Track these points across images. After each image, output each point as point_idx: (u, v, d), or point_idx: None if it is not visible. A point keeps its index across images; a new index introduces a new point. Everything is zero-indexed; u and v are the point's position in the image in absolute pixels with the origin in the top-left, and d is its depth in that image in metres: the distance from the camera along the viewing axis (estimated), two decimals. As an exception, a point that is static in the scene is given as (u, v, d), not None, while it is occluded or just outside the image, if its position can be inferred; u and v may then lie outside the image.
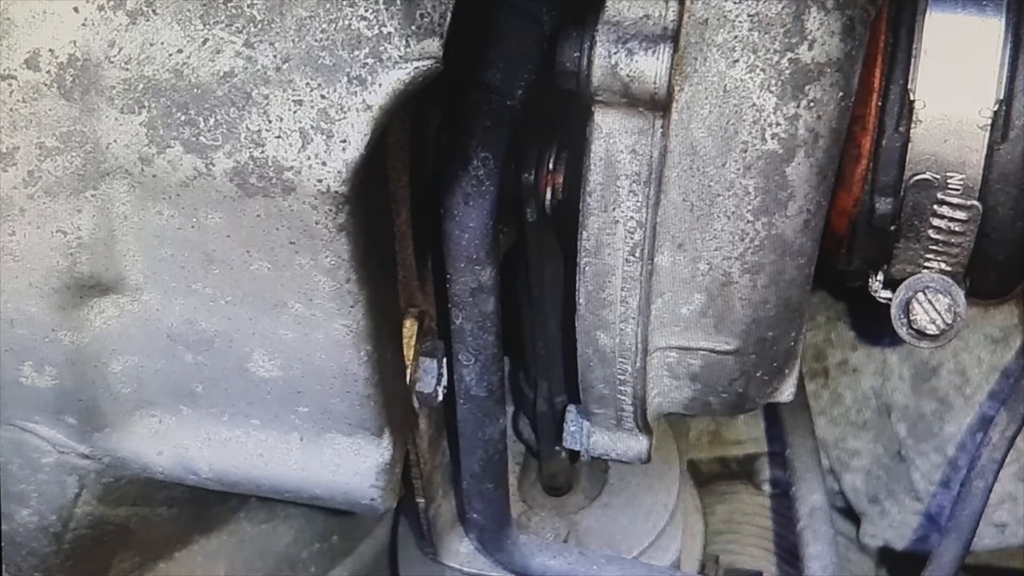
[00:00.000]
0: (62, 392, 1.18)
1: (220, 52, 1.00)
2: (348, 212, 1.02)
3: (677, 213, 1.12)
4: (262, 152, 1.00)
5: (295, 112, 0.99)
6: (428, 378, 1.29)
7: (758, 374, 1.23)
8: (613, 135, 1.11)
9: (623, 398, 1.27)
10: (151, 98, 1.01)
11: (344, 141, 0.99)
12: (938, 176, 1.16)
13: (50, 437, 1.24)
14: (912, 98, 1.15)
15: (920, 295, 1.21)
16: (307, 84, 0.99)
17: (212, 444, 1.24)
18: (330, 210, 1.01)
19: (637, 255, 1.15)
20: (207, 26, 1.00)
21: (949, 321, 1.21)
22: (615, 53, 1.07)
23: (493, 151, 1.15)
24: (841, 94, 1.07)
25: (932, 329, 1.21)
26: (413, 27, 1.00)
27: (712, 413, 1.32)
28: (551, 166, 1.23)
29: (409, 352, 1.26)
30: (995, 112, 1.14)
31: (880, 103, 1.16)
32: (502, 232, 1.22)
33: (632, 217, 1.14)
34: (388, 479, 1.26)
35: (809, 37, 1.05)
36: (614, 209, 1.13)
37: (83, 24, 1.01)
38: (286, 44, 1.00)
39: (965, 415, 1.68)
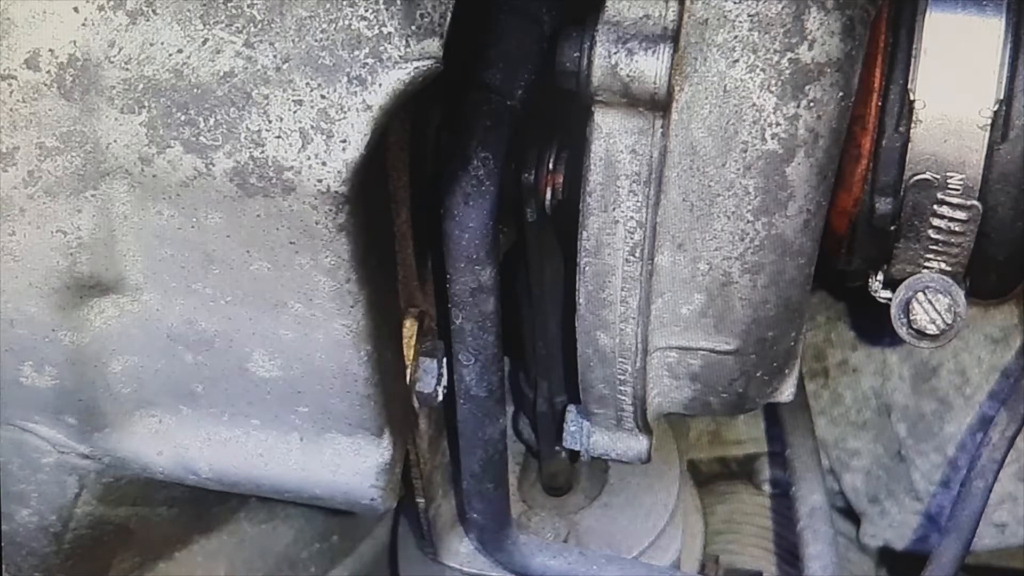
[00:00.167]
0: (62, 392, 1.18)
1: (220, 52, 1.00)
2: (348, 212, 1.02)
3: (677, 213, 1.12)
4: (262, 152, 1.00)
5: (295, 112, 0.99)
6: (428, 378, 1.29)
7: (758, 374, 1.23)
8: (613, 135, 1.11)
9: (623, 398, 1.27)
10: (151, 98, 1.01)
11: (344, 141, 0.99)
12: (938, 176, 1.16)
13: (50, 437, 1.24)
14: (912, 98, 1.15)
15: (920, 295, 1.21)
16: (307, 84, 0.99)
17: (212, 444, 1.24)
18: (330, 210, 1.01)
19: (637, 255, 1.15)
20: (207, 26, 1.00)
21: (949, 321, 1.21)
22: (615, 53, 1.07)
23: (493, 151, 1.15)
24: (841, 94, 1.07)
25: (932, 329, 1.21)
26: (413, 27, 1.00)
27: (712, 413, 1.32)
28: (551, 166, 1.23)
29: (409, 352, 1.26)
30: (995, 112, 1.14)
31: (880, 103, 1.16)
32: (502, 232, 1.22)
33: (632, 217, 1.14)
34: (388, 479, 1.26)
35: (809, 37, 1.05)
36: (614, 209, 1.13)
37: (83, 24, 1.01)
38: (286, 44, 1.00)
39: (965, 415, 1.68)
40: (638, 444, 1.35)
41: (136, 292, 1.11)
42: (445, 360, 1.30)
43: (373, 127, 0.99)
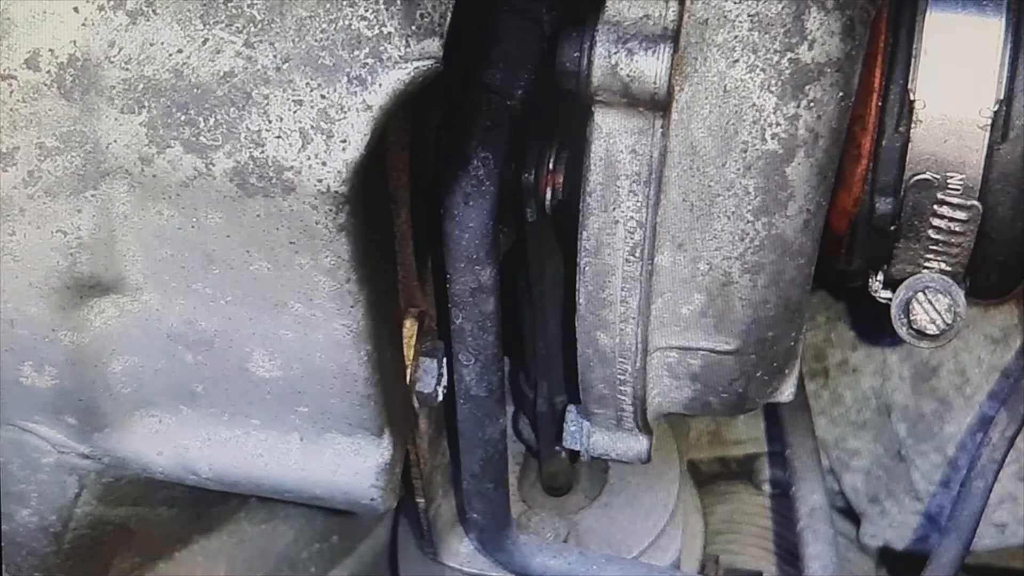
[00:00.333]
0: (62, 392, 1.18)
1: (220, 52, 1.00)
2: (348, 212, 1.02)
3: (677, 213, 1.12)
4: (262, 152, 1.00)
5: (295, 112, 0.99)
6: (428, 378, 1.29)
7: (758, 374, 1.23)
8: (613, 135, 1.11)
9: (623, 398, 1.27)
10: (151, 98, 1.01)
11: (344, 141, 0.99)
12: (938, 176, 1.16)
13: (50, 437, 1.24)
14: (912, 98, 1.15)
15: (920, 295, 1.21)
16: (307, 84, 0.99)
17: (212, 444, 1.24)
18: (330, 210, 1.01)
19: (637, 255, 1.15)
20: (207, 26, 1.00)
21: (949, 321, 1.21)
22: (615, 53, 1.07)
23: (493, 151, 1.15)
24: (841, 94, 1.07)
25: (932, 329, 1.21)
26: (413, 27, 1.00)
27: (712, 413, 1.32)
28: (551, 166, 1.23)
29: (409, 352, 1.26)
30: (995, 112, 1.14)
31: (880, 103, 1.16)
32: (502, 232, 1.22)
33: (632, 217, 1.14)
34: (388, 479, 1.26)
35: (809, 37, 1.05)
36: (614, 209, 1.13)
37: (83, 24, 1.01)
38: (286, 44, 1.00)
39: (965, 415, 1.68)
40: (638, 444, 1.35)
41: (136, 292, 1.11)
42: (445, 360, 1.30)
43: (373, 127, 0.99)
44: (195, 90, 1.00)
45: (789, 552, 1.76)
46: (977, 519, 1.45)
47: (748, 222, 1.11)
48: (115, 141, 1.02)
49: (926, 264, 1.21)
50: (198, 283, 1.10)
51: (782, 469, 1.76)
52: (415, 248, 1.24)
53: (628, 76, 1.07)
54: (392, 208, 1.19)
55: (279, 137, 1.00)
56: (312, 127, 0.99)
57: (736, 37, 1.06)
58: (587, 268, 1.18)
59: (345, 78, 0.99)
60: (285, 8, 1.00)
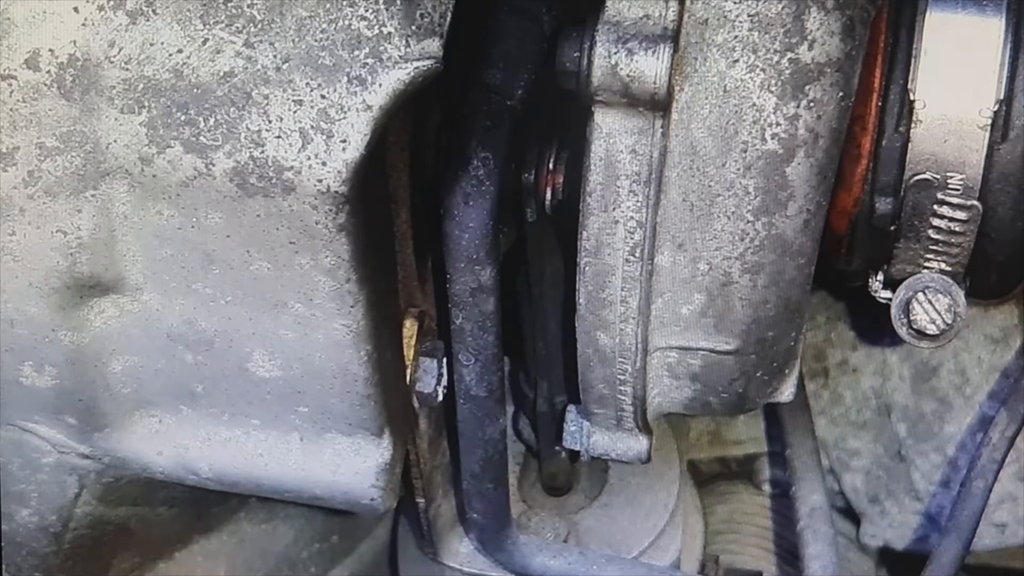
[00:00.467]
0: (62, 392, 1.18)
1: (220, 52, 1.00)
2: (348, 212, 1.02)
3: (677, 213, 1.12)
4: (262, 152, 1.00)
5: (295, 112, 0.99)
6: (428, 378, 1.29)
7: (758, 374, 1.23)
8: (613, 135, 1.11)
9: (623, 398, 1.27)
10: (151, 98, 1.01)
11: (344, 141, 0.99)
12: (938, 176, 1.16)
13: (50, 437, 1.24)
14: (912, 98, 1.15)
15: (920, 295, 1.21)
16: (307, 84, 0.99)
17: (212, 444, 1.24)
18: (330, 210, 1.01)
19: (637, 255, 1.15)
20: (207, 26, 1.00)
21: (949, 321, 1.21)
22: (615, 53, 1.07)
23: (493, 151, 1.15)
24: (841, 94, 1.07)
25: (932, 329, 1.21)
26: (413, 27, 0.99)
27: (712, 413, 1.32)
28: (551, 166, 1.23)
29: (409, 352, 1.26)
30: (995, 112, 1.14)
31: (880, 103, 1.16)
32: (502, 232, 1.22)
33: (632, 217, 1.14)
34: (388, 479, 1.26)
35: (809, 37, 1.05)
36: (614, 209, 1.13)
37: (83, 24, 1.01)
38: (286, 44, 1.00)
39: (965, 415, 1.68)
40: (638, 444, 1.35)
41: (136, 292, 1.11)
42: (445, 360, 1.30)
43: (373, 127, 0.99)
44: (195, 90, 1.00)
45: (789, 552, 1.76)
46: (977, 519, 1.45)
47: (748, 222, 1.11)
48: (115, 141, 1.02)
49: (926, 264, 1.21)
50: (198, 283, 1.10)
51: (782, 469, 1.76)
52: (415, 248, 1.24)
53: (628, 76, 1.07)
54: (392, 208, 1.19)
55: (279, 137, 1.00)
56: (312, 127, 0.99)
57: (736, 37, 1.06)
58: (587, 268, 1.18)
59: (345, 78, 0.99)
60: (285, 8, 1.00)
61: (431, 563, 1.56)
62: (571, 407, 1.40)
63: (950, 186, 1.16)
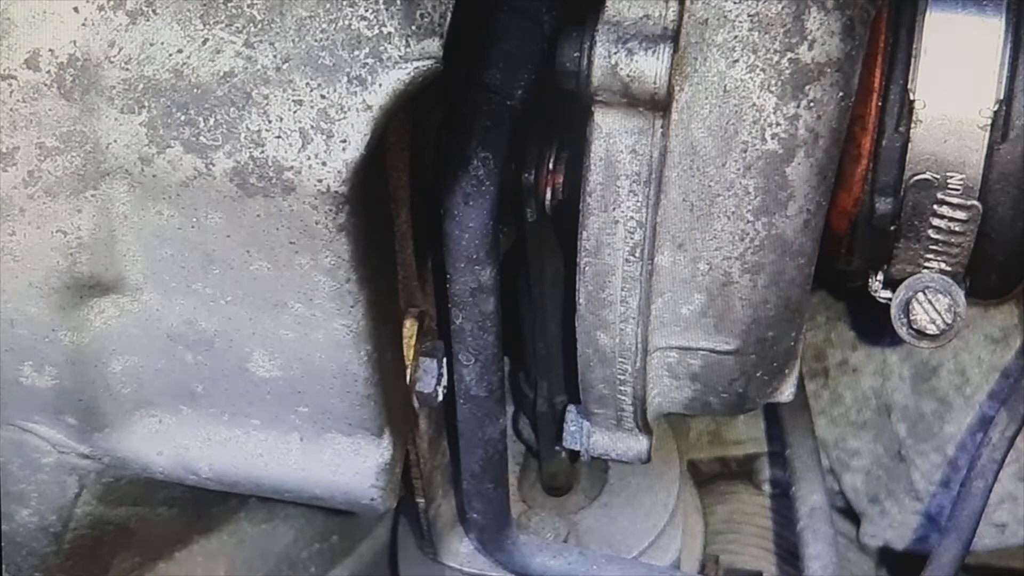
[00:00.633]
0: (62, 392, 1.18)
1: (220, 52, 1.00)
2: (348, 212, 1.02)
3: (677, 213, 1.12)
4: (262, 152, 1.00)
5: (295, 112, 0.99)
6: (428, 378, 1.29)
7: (758, 374, 1.23)
8: (613, 135, 1.11)
9: (623, 398, 1.27)
10: (151, 98, 1.01)
11: (344, 141, 0.99)
12: (938, 176, 1.16)
13: (50, 437, 1.24)
14: (912, 98, 1.15)
15: (920, 295, 1.21)
16: (307, 84, 0.99)
17: (212, 444, 1.24)
18: (330, 210, 1.01)
19: (637, 255, 1.15)
20: (207, 26, 1.00)
21: (949, 321, 1.21)
22: (615, 53, 1.07)
23: (493, 151, 1.15)
24: (841, 94, 1.07)
25: (932, 329, 1.21)
26: (413, 27, 0.99)
27: (712, 413, 1.32)
28: (551, 166, 1.23)
29: (409, 352, 1.26)
30: (995, 112, 1.14)
31: (880, 103, 1.16)
32: (502, 232, 1.22)
33: (632, 217, 1.14)
34: (388, 479, 1.26)
35: (809, 37, 1.05)
36: (614, 209, 1.13)
37: (83, 24, 1.01)
38: (286, 44, 1.00)
39: (965, 415, 1.68)
40: (638, 444, 1.35)
41: (136, 292, 1.11)
42: (445, 360, 1.30)
43: (373, 127, 0.99)
44: (195, 90, 1.00)
45: (789, 552, 1.76)
46: (977, 519, 1.45)
47: (748, 222, 1.11)
48: (115, 141, 1.02)
49: (926, 264, 1.21)
50: (198, 283, 1.10)
51: (782, 469, 1.76)
52: (415, 248, 1.24)
53: (628, 76, 1.07)
54: (392, 208, 1.19)
55: (279, 137, 1.00)
56: (312, 127, 0.99)
57: (736, 37, 1.06)
58: (587, 268, 1.18)
59: (345, 78, 0.99)
60: (285, 8, 1.00)
61: (431, 563, 1.56)
62: (571, 407, 1.40)
63: (950, 186, 1.16)
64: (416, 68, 0.99)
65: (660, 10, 1.08)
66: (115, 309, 1.13)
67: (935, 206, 1.17)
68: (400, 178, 1.18)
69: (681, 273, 1.15)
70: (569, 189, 1.22)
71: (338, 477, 1.25)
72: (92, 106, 1.02)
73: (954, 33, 1.14)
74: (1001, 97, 1.14)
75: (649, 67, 1.06)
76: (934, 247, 1.19)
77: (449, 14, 1.02)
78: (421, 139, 1.19)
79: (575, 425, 1.39)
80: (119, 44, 1.01)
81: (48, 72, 1.01)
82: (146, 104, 1.01)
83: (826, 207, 1.13)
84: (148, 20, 1.01)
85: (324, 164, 0.99)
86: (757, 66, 1.06)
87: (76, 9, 1.01)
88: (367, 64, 0.99)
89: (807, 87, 1.06)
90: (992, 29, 1.14)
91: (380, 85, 0.99)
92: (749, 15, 1.05)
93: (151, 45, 1.01)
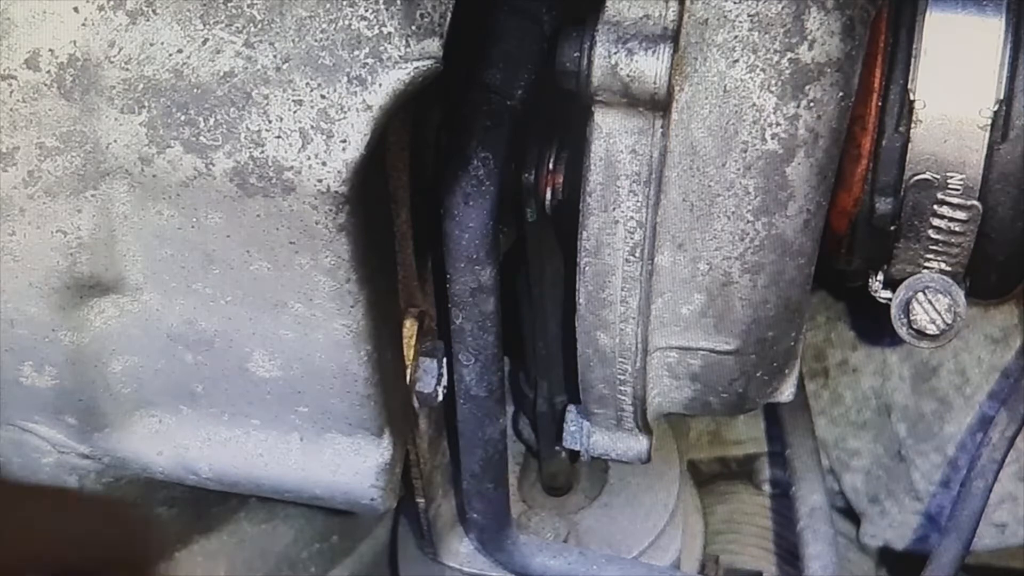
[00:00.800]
0: (62, 392, 1.18)
1: (220, 52, 1.00)
2: (348, 212, 1.02)
3: (677, 213, 1.12)
4: (262, 152, 1.00)
5: (295, 112, 0.99)
6: (428, 378, 1.29)
7: (758, 374, 1.23)
8: (613, 135, 1.11)
9: (623, 398, 1.27)
10: (151, 98, 1.01)
11: (344, 141, 0.99)
12: (938, 176, 1.16)
13: (50, 437, 1.24)
14: (912, 98, 1.15)
15: (920, 295, 1.21)
16: (307, 84, 0.99)
17: (212, 444, 1.24)
18: (330, 210, 1.01)
19: (637, 255, 1.15)
20: (207, 26, 1.00)
21: (949, 321, 1.21)
22: (615, 53, 1.07)
23: (493, 151, 1.15)
24: (841, 94, 1.07)
25: (932, 329, 1.21)
26: (413, 27, 0.99)
27: (712, 413, 1.32)
28: (551, 166, 1.23)
29: (409, 352, 1.26)
30: (995, 112, 1.14)
31: (880, 103, 1.16)
32: (502, 232, 1.22)
33: (632, 217, 1.14)
34: (388, 479, 1.26)
35: (809, 37, 1.05)
36: (614, 209, 1.13)
37: (83, 24, 1.01)
38: (286, 44, 1.00)
39: (965, 415, 1.68)
40: (638, 444, 1.35)
41: (136, 292, 1.11)
42: (445, 360, 1.30)
43: (373, 127, 0.99)
44: (195, 90, 1.00)
45: (789, 552, 1.76)
46: (977, 519, 1.45)
47: (748, 222, 1.11)
48: (115, 141, 1.02)
49: (926, 264, 1.21)
50: (198, 283, 1.09)
51: (782, 469, 1.76)
52: (415, 248, 1.24)
53: (628, 76, 1.07)
54: (392, 208, 1.19)
55: (279, 137, 1.00)
56: (312, 127, 0.99)
57: (736, 37, 1.06)
58: (587, 268, 1.18)
59: (345, 78, 0.99)
60: (285, 8, 1.00)
61: (431, 563, 1.56)
62: (571, 407, 1.40)
63: (950, 186, 1.16)
64: (416, 68, 0.99)
65: (660, 10, 1.08)
66: (115, 309, 1.13)
67: (935, 206, 1.17)
68: (400, 178, 1.18)
69: (681, 273, 1.15)
70: (569, 189, 1.22)
71: (338, 477, 1.25)
72: (92, 106, 1.02)
73: (954, 33, 1.14)
74: (1001, 97, 1.14)
75: (649, 67, 1.06)
76: (934, 247, 1.19)
77: (449, 14, 1.02)
78: (421, 139, 1.19)
79: (575, 425, 1.39)
80: (119, 44, 1.01)
81: (48, 72, 1.01)
82: (146, 104, 1.01)
83: (826, 207, 1.13)
84: (148, 20, 1.01)
85: (324, 164, 0.99)
86: (757, 66, 1.06)
87: (76, 9, 1.01)
88: (367, 64, 0.99)
89: (807, 87, 1.06)
90: (992, 29, 1.14)
91: (380, 85, 0.99)
92: (749, 15, 1.05)
93: (151, 45, 1.01)
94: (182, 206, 1.04)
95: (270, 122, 1.00)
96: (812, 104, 1.06)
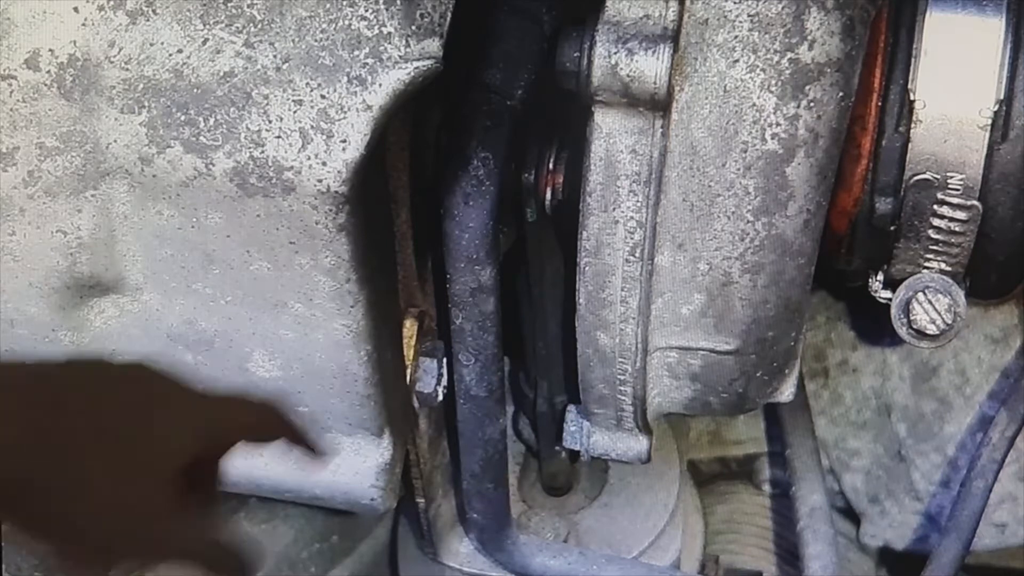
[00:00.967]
0: (62, 392, 1.18)
1: (220, 52, 1.00)
2: (348, 212, 1.02)
3: (677, 213, 1.12)
4: (262, 152, 1.00)
5: (295, 112, 0.99)
6: (428, 378, 1.29)
7: (758, 374, 1.23)
8: (613, 135, 1.10)
9: (623, 398, 1.27)
10: (151, 98, 1.01)
11: (344, 141, 0.99)
12: (938, 176, 1.16)
13: (50, 437, 1.24)
14: (912, 98, 1.15)
15: (920, 295, 1.21)
16: (307, 84, 0.99)
17: (212, 444, 1.24)
18: (330, 210, 1.01)
19: (637, 255, 1.15)
20: (207, 26, 1.00)
21: (949, 321, 1.21)
22: (615, 53, 1.07)
23: (493, 151, 1.15)
24: (841, 94, 1.07)
25: (932, 329, 1.21)
26: (413, 27, 0.99)
27: (712, 413, 1.32)
28: (551, 166, 1.23)
29: (409, 352, 1.25)
30: (995, 112, 1.14)
31: (880, 103, 1.16)
32: (502, 232, 1.22)
33: (632, 217, 1.14)
34: (388, 479, 1.26)
35: (809, 37, 1.05)
36: (614, 209, 1.13)
37: (83, 24, 1.01)
38: (286, 44, 1.00)
39: (965, 415, 1.68)
40: (638, 444, 1.35)
41: (136, 292, 1.11)
42: (445, 360, 1.30)
43: (373, 127, 0.99)
44: (195, 90, 1.00)
45: (789, 552, 1.76)
46: (977, 519, 1.45)
47: (748, 222, 1.11)
48: (115, 141, 1.02)
49: (926, 264, 1.21)
50: (198, 283, 1.09)
51: (782, 469, 1.76)
52: (415, 248, 1.24)
53: (628, 76, 1.07)
54: (392, 208, 1.19)
55: (279, 137, 1.00)
56: (312, 127, 0.99)
57: (736, 37, 1.05)
58: (587, 268, 1.18)
59: (345, 78, 0.99)
60: (285, 8, 1.00)
61: (431, 563, 1.56)
62: (571, 407, 1.40)
63: (950, 186, 1.16)
64: (416, 68, 0.99)
65: (660, 10, 1.08)
66: (115, 309, 1.13)
67: (935, 206, 1.17)
68: (400, 178, 1.18)
69: (681, 273, 1.15)
70: (569, 189, 1.22)
71: (338, 477, 1.25)
72: (92, 106, 1.02)
73: (954, 33, 1.14)
74: (1001, 97, 1.14)
75: (649, 67, 1.06)
76: (934, 247, 1.19)
77: (449, 14, 1.02)
78: (421, 139, 1.19)
79: (575, 425, 1.39)
80: (119, 44, 1.01)
81: (48, 72, 1.01)
82: (146, 104, 1.01)
83: (826, 207, 1.13)
84: (148, 20, 1.01)
85: (324, 164, 0.99)
86: (757, 66, 1.06)
87: (76, 9, 1.01)
88: (367, 64, 0.99)
89: (807, 87, 1.06)
90: (992, 29, 1.14)
91: (380, 85, 0.99)
92: (749, 15, 1.05)
93: (151, 45, 1.01)
94: (182, 206, 1.04)
95: (270, 122, 1.00)
96: (812, 104, 1.06)
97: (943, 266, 1.20)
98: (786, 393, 1.29)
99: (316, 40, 0.99)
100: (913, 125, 1.15)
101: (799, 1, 1.05)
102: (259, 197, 1.02)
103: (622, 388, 1.26)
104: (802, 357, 1.31)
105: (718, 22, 1.06)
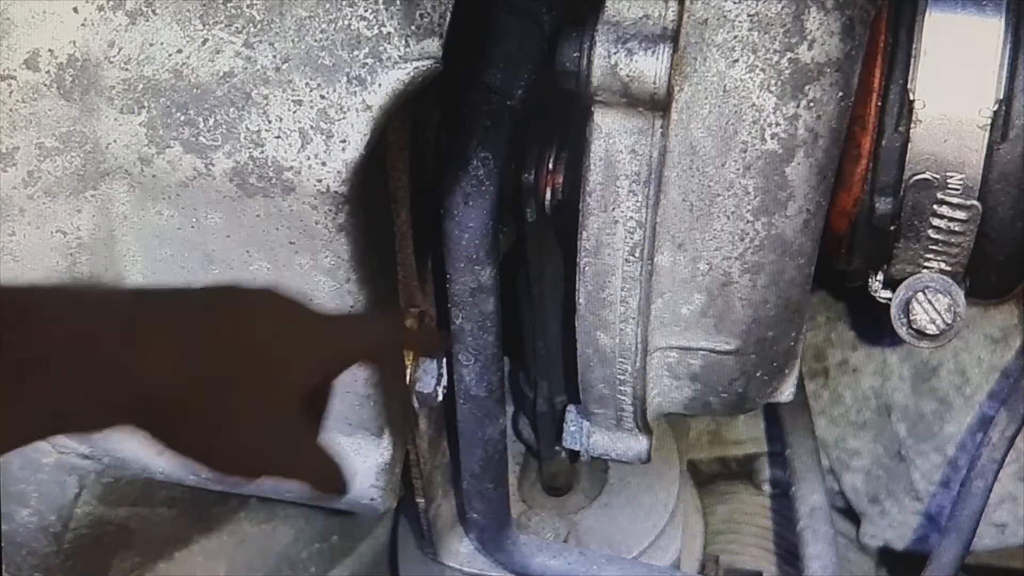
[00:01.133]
0: (62, 392, 1.18)
1: (220, 52, 1.00)
2: (348, 212, 1.02)
3: (677, 213, 1.12)
4: (262, 152, 1.00)
5: (295, 112, 0.99)
6: (428, 378, 1.28)
7: (758, 374, 1.23)
8: (613, 135, 1.10)
9: (623, 398, 1.27)
10: (151, 98, 1.01)
11: (344, 141, 0.99)
12: (938, 176, 1.16)
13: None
14: (912, 98, 1.15)
15: (920, 295, 1.21)
16: (307, 84, 0.99)
17: (212, 444, 1.24)
18: (330, 210, 1.01)
19: (637, 255, 1.15)
20: (207, 26, 1.00)
21: (949, 321, 1.21)
22: (615, 53, 1.07)
23: (493, 151, 1.15)
24: (841, 94, 1.07)
25: (932, 329, 1.21)
26: (413, 27, 0.99)
27: (712, 413, 1.31)
28: (551, 166, 1.23)
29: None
30: (995, 112, 1.14)
31: (880, 103, 1.16)
32: (502, 232, 1.22)
33: (632, 217, 1.14)
34: (388, 479, 1.26)
35: (809, 37, 1.05)
36: (614, 209, 1.13)
37: (83, 24, 1.01)
38: (286, 44, 1.00)
39: (965, 415, 1.68)
40: (638, 444, 1.35)
41: (136, 292, 1.11)
42: (445, 360, 1.30)
43: (373, 127, 0.99)
44: (195, 90, 1.00)
45: (789, 552, 1.76)
46: (977, 519, 1.45)
47: (748, 222, 1.11)
48: (115, 141, 1.02)
49: (926, 264, 1.21)
50: (198, 283, 1.09)
51: (782, 469, 1.76)
52: (415, 248, 1.24)
53: (628, 76, 1.07)
54: (392, 208, 1.19)
55: (279, 137, 1.00)
56: (312, 127, 0.99)
57: (736, 37, 1.05)
58: (587, 268, 1.18)
59: (345, 78, 0.99)
60: (285, 8, 1.00)
61: (431, 563, 1.56)
62: (571, 407, 1.40)
63: (950, 186, 1.16)
64: (416, 68, 0.99)
65: (660, 10, 1.08)
66: (115, 309, 1.13)
67: (935, 206, 1.17)
68: (400, 178, 1.18)
69: (681, 273, 1.15)
70: (569, 189, 1.22)
71: (338, 477, 1.25)
72: (92, 106, 1.02)
73: (954, 33, 1.14)
74: (1001, 97, 1.14)
75: (649, 67, 1.06)
76: (934, 247, 1.19)
77: (449, 14, 1.02)
78: (421, 139, 1.19)
79: (575, 425, 1.39)
80: (119, 44, 1.01)
81: (48, 72, 1.01)
82: (146, 104, 1.01)
83: (826, 207, 1.13)
84: (148, 20, 1.01)
85: (324, 164, 0.99)
86: (757, 66, 1.06)
87: (76, 9, 1.01)
88: (367, 64, 0.99)
89: (807, 87, 1.06)
90: (992, 29, 1.14)
91: (380, 85, 0.99)
92: (749, 15, 1.05)
93: (151, 45, 1.01)
94: (182, 206, 1.04)
95: (270, 122, 1.00)
96: (812, 104, 1.06)
97: (943, 266, 1.20)
98: (786, 393, 1.29)
99: (316, 40, 0.99)
100: (913, 125, 1.15)
101: (799, 1, 1.04)
102: (259, 197, 1.02)
103: (622, 388, 1.26)
104: (802, 357, 1.31)
105: (718, 22, 1.06)
